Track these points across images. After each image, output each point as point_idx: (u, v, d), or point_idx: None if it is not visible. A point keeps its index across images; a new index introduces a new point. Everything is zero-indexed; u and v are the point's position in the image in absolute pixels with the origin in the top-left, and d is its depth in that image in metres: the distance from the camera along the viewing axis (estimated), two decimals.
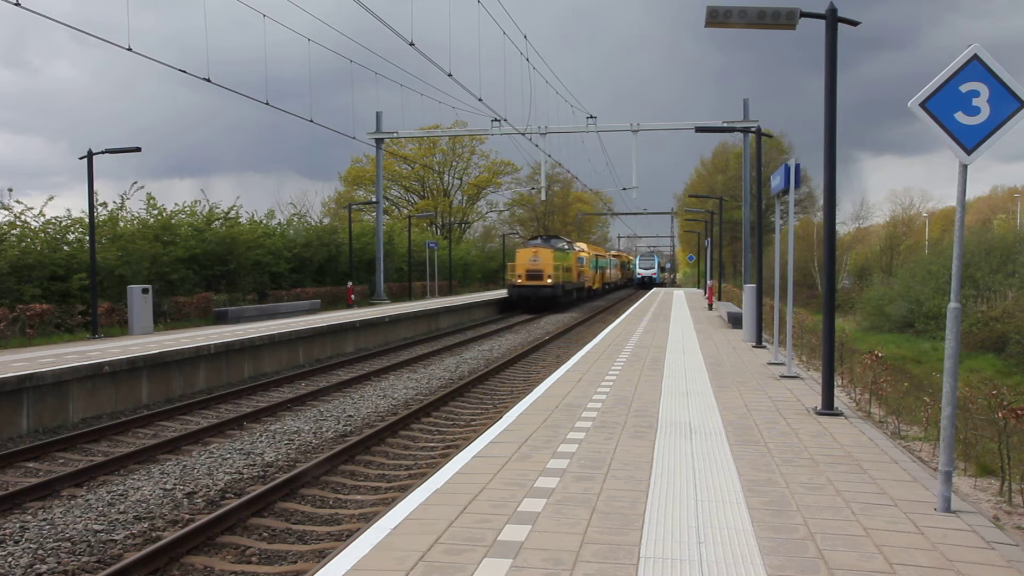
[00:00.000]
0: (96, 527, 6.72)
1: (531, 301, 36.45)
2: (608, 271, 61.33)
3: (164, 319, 20.91)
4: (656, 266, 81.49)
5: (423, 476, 7.98)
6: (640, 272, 79.98)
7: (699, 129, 20.09)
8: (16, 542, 6.35)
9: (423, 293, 40.72)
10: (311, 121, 21.77)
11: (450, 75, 19.55)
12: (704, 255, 47.13)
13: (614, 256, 71.98)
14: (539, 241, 39.23)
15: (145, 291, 18.40)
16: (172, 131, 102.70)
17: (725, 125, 25.94)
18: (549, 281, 35.92)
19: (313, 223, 38.09)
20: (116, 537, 6.54)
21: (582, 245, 49.06)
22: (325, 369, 17.07)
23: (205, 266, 25.10)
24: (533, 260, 36.06)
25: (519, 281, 36.35)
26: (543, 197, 51.34)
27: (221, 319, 21.87)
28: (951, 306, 5.46)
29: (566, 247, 40.48)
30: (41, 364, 11.98)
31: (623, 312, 28.36)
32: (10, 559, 6.00)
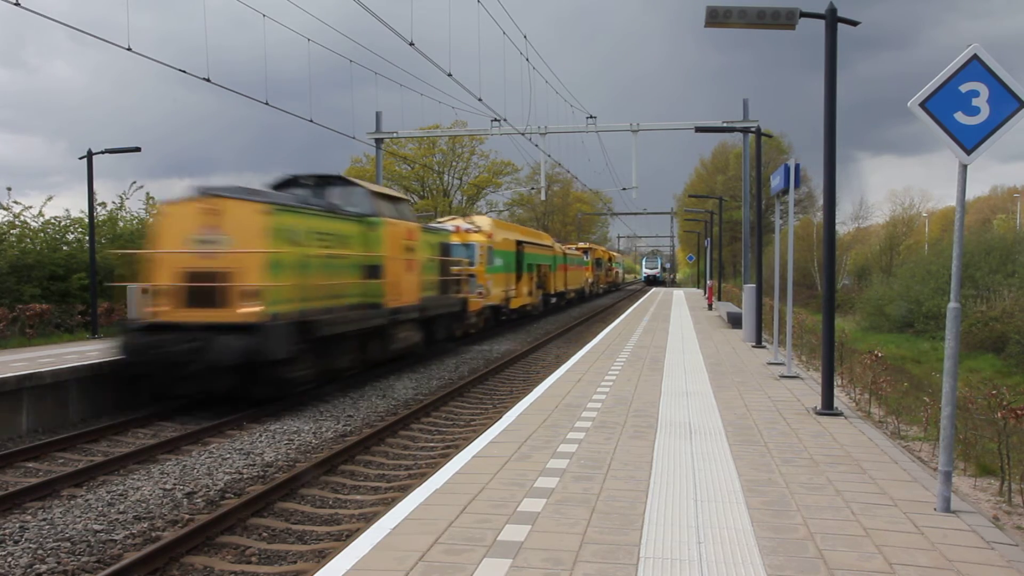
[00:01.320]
0: (96, 527, 6.72)
1: (171, 376, 11.14)
2: (561, 274, 37.84)
3: None
4: (659, 266, 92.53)
5: (423, 476, 7.98)
6: (646, 271, 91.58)
7: (699, 129, 20.15)
8: (16, 542, 6.35)
9: None
10: (311, 121, 21.72)
11: (450, 75, 19.52)
12: (704, 255, 47.09)
13: (579, 250, 47.86)
14: (221, 191, 11.59)
15: (145, 291, 18.35)
16: (171, 131, 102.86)
17: (725, 125, 25.91)
18: (249, 311, 10.95)
19: None
20: (116, 537, 6.53)
21: (480, 222, 25.28)
22: None
23: None
24: (204, 238, 11.27)
25: (150, 311, 11.65)
26: (543, 197, 51.29)
27: None
28: (951, 306, 5.46)
29: (378, 206, 14.92)
30: (41, 364, 11.97)
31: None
32: (10, 559, 6.00)
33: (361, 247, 14.18)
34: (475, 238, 23.45)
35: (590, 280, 49.75)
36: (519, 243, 28.36)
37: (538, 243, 32.68)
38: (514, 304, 27.13)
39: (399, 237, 15.48)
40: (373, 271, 14.45)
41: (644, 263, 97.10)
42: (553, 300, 35.98)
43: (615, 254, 78.96)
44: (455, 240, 21.70)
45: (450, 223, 23.61)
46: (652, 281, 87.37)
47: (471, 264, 22.33)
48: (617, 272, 74.49)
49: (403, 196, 17.21)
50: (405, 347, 16.18)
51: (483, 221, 25.31)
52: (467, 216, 27.12)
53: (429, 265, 17.47)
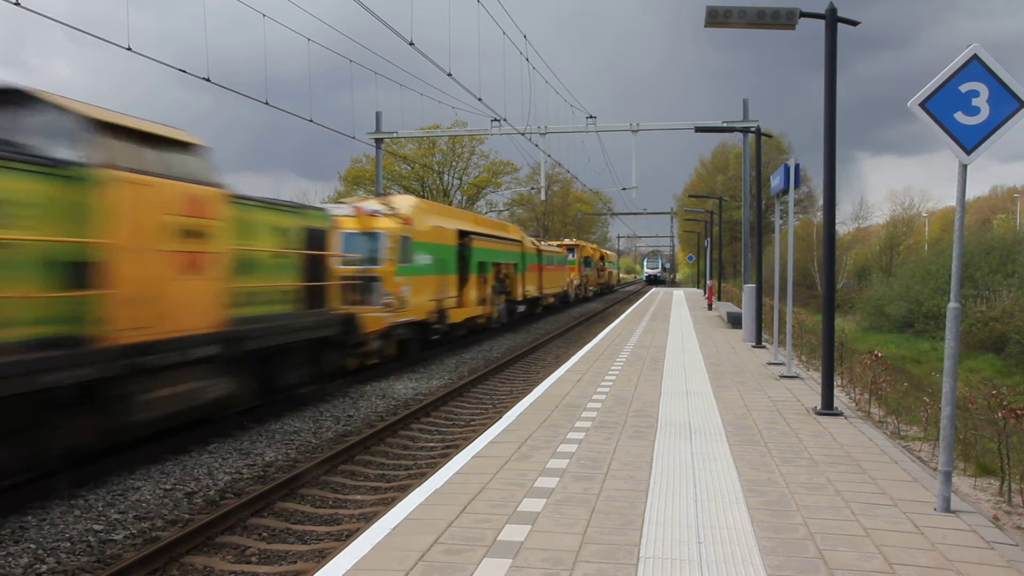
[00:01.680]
0: (96, 527, 6.72)
1: None
2: (534, 275, 30.55)
3: None
4: (660, 266, 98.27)
5: (423, 476, 7.98)
6: (647, 271, 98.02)
7: (699, 129, 20.15)
8: (16, 542, 6.35)
9: None
10: (311, 121, 21.69)
11: (450, 75, 19.51)
12: (704, 255, 47.11)
13: (562, 247, 40.57)
14: None
15: None
16: None
17: (725, 125, 25.90)
18: None
19: None
20: (116, 537, 6.53)
21: (398, 202, 17.32)
22: None
23: None
24: None
25: None
26: (543, 197, 51.29)
27: None
28: (951, 306, 5.47)
29: (104, 148, 7.44)
30: None
31: None
32: (10, 559, 6.00)
33: (44, 224, 6.96)
34: (382, 225, 15.81)
35: (575, 282, 42.47)
36: (463, 234, 20.71)
37: (496, 235, 24.85)
38: (456, 317, 19.94)
39: (158, 208, 8.14)
40: (76, 273, 7.21)
41: (645, 263, 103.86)
42: (521, 308, 28.31)
43: (609, 253, 70.29)
44: (352, 227, 15.35)
45: (347, 204, 16.80)
46: (653, 280, 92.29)
47: (375, 262, 15.43)
48: (611, 272, 65.99)
49: (184, 137, 8.98)
50: (186, 409, 9.04)
51: (402, 202, 17.47)
52: (383, 196, 18.56)
53: (267, 264, 10.74)
